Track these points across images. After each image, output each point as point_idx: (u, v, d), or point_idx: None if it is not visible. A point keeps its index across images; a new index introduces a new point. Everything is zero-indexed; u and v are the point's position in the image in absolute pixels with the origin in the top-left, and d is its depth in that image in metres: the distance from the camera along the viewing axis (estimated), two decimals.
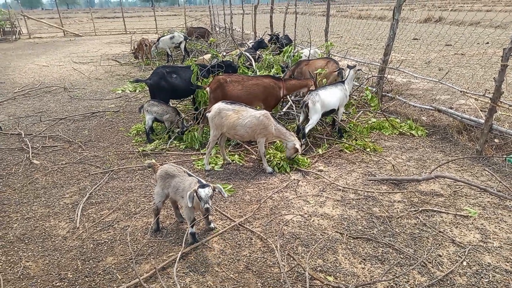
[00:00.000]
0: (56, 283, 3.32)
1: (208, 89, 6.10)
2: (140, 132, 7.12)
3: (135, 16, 51.70)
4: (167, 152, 6.18)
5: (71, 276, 3.41)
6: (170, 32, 15.69)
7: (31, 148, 6.34)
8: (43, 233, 4.07)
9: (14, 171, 5.63)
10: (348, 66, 6.43)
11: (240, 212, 4.39)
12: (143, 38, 14.70)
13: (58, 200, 4.77)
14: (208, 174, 5.34)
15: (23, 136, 6.94)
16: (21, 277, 3.42)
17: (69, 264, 3.57)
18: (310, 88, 6.32)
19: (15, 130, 7.39)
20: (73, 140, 6.80)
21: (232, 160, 5.75)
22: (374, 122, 6.97)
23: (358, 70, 6.40)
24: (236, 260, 3.55)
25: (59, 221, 4.30)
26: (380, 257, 3.51)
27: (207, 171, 5.41)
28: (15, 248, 3.83)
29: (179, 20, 36.16)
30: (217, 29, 24.76)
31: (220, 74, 7.08)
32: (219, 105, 5.20)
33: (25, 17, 29.05)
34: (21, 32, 28.24)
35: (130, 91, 10.54)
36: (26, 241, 3.94)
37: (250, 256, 3.59)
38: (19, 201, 4.76)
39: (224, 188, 4.88)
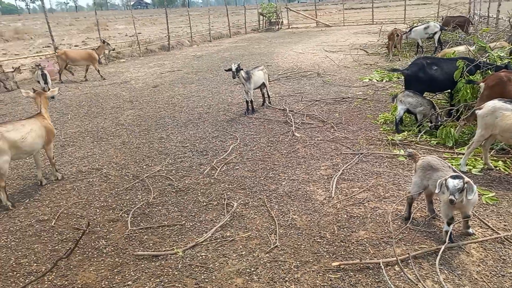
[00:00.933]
0: (316, 239, 3.85)
1: (482, 84, 5.51)
2: (388, 121, 7.17)
3: (381, 6, 51.26)
4: (416, 145, 6.03)
5: (329, 236, 3.87)
6: (424, 22, 14.84)
7: (294, 122, 7.41)
8: (305, 195, 4.75)
9: (281, 139, 6.73)
10: None
11: (504, 224, 3.88)
12: (395, 28, 14.49)
13: (315, 170, 5.43)
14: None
15: (287, 111, 8.16)
16: (290, 225, 4.12)
17: (327, 226, 4.05)
18: None
19: (280, 106, 8.77)
20: (326, 120, 7.51)
21: (495, 167, 5.08)
22: None
23: None
24: (500, 275, 3.19)
25: (316, 188, 4.91)
26: None
27: (463, 173, 4.97)
28: (284, 201, 4.63)
29: (429, 9, 33.64)
30: (476, 18, 21.71)
31: (491, 71, 6.25)
32: (495, 103, 4.64)
33: (288, 9, 33.37)
34: (282, 23, 32.66)
35: (377, 80, 10.69)
36: (292, 198, 4.70)
37: None
38: (286, 165, 5.69)
39: (484, 195, 4.42)
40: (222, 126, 7.70)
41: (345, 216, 4.22)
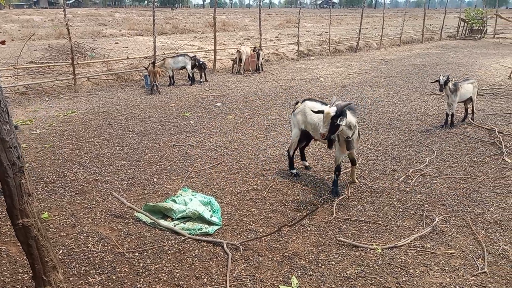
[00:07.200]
0: None
1: None
2: None
3: None
4: None
5: None
6: None
7: (504, 146, 6.65)
8: None
9: (487, 162, 6.17)
10: None
11: None
12: None
13: None
14: None
15: (496, 132, 7.36)
16: (501, 255, 3.85)
17: None
18: None
19: (485, 125, 7.96)
20: None
21: None
22: None
23: None
24: None
25: None
26: None
27: None
28: (493, 229, 4.32)
29: None
30: None
31: None
32: None
33: (497, 17, 29.14)
34: (486, 31, 28.79)
35: None
36: (503, 227, 4.34)
37: None
38: (493, 190, 5.24)
39: None
40: (416, 136, 7.50)
41: None
